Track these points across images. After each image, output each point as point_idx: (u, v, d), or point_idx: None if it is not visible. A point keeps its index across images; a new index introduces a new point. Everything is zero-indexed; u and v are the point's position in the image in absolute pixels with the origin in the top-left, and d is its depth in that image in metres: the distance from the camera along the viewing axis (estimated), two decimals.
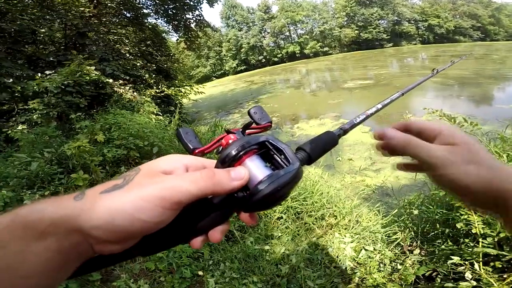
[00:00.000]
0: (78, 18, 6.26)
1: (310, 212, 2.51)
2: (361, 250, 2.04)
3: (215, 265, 2.04)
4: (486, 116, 5.93)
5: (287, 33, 43.34)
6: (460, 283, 1.31)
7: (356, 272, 1.89)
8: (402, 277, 1.71)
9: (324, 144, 0.38)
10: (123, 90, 5.65)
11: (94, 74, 4.82)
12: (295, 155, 0.31)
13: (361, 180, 3.69)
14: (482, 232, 1.39)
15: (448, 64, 1.04)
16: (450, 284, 1.34)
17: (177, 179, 0.26)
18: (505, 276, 1.28)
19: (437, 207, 1.78)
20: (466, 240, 1.47)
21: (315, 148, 0.36)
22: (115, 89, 5.45)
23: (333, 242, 2.18)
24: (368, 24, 40.00)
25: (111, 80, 5.46)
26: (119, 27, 8.50)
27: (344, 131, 0.42)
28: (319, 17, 41.59)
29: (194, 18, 10.86)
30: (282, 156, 0.30)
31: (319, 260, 2.06)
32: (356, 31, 40.11)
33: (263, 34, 42.90)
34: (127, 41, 8.29)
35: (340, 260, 2.02)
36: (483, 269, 1.33)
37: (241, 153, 0.30)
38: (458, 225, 1.48)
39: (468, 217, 1.44)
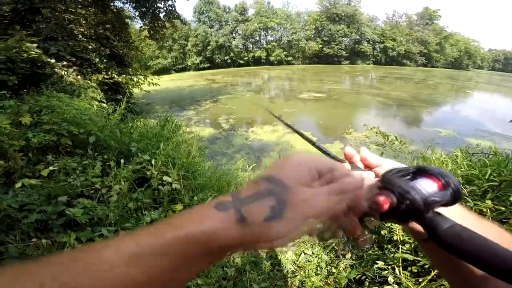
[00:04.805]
0: None
1: None
2: (301, 253, 2.13)
3: None
4: (414, 137, 6.84)
5: (257, 38, 43.73)
6: (385, 287, 1.46)
7: (297, 275, 1.97)
8: (336, 280, 1.84)
9: None
10: (65, 72, 5.09)
11: (34, 52, 4.35)
12: None
13: None
14: (401, 239, 1.58)
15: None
16: None
17: None
18: (420, 280, 1.45)
19: None
20: (389, 246, 1.66)
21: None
22: (56, 70, 4.91)
23: None
24: (332, 39, 42.38)
25: (53, 60, 4.93)
26: (79, 6, 7.59)
27: None
28: (290, 26, 42.80)
29: (165, 8, 10.29)
30: None
31: (263, 263, 2.10)
32: (320, 45, 42.34)
33: (234, 35, 42.58)
34: (84, 22, 7.42)
35: (282, 264, 2.09)
36: (403, 273, 1.50)
37: None
38: (383, 232, 1.66)
39: (391, 224, 1.62)
